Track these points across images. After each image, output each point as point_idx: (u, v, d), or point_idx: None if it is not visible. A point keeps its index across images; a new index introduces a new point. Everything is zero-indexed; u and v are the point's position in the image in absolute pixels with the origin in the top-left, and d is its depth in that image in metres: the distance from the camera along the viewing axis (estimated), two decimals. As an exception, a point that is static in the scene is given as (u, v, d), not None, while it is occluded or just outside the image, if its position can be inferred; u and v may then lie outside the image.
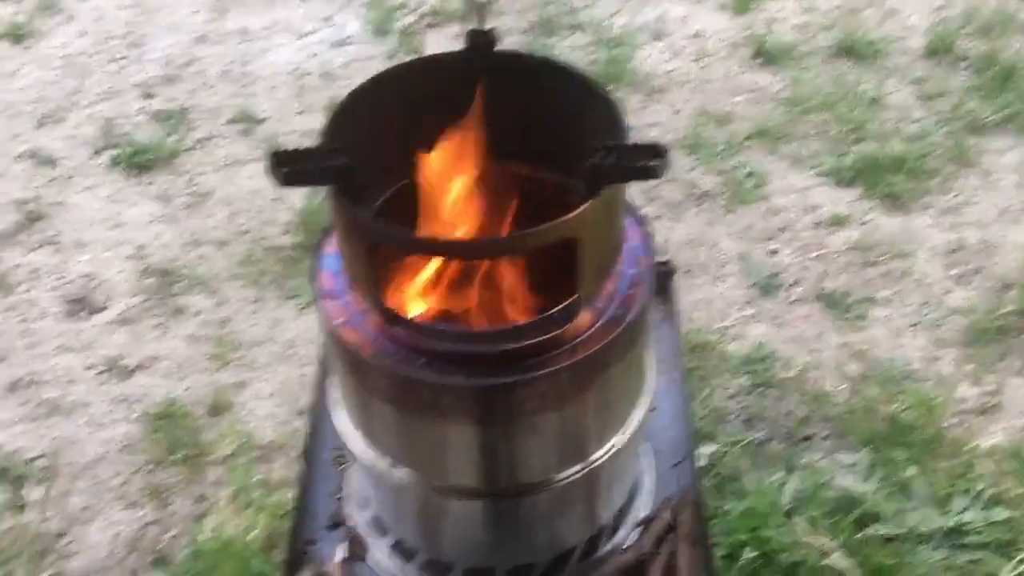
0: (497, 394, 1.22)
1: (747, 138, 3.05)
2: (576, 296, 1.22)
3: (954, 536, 2.05)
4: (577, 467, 1.36)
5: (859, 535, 2.03)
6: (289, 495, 2.17)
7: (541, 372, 1.21)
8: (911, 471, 2.17)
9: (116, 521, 2.19)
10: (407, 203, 1.36)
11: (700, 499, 1.63)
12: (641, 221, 1.38)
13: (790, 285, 2.64)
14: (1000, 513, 2.07)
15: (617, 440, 1.39)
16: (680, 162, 2.99)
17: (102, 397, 2.46)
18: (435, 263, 1.31)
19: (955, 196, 2.86)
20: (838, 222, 2.79)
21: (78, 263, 2.80)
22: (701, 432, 2.25)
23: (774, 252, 2.73)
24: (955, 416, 2.31)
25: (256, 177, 3.02)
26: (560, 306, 1.24)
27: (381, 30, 3.56)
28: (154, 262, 2.77)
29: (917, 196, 2.86)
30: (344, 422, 1.43)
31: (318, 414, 1.76)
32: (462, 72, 1.33)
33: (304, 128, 3.18)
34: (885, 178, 2.88)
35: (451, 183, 1.33)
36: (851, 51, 3.36)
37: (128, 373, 2.50)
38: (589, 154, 1.13)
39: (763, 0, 3.63)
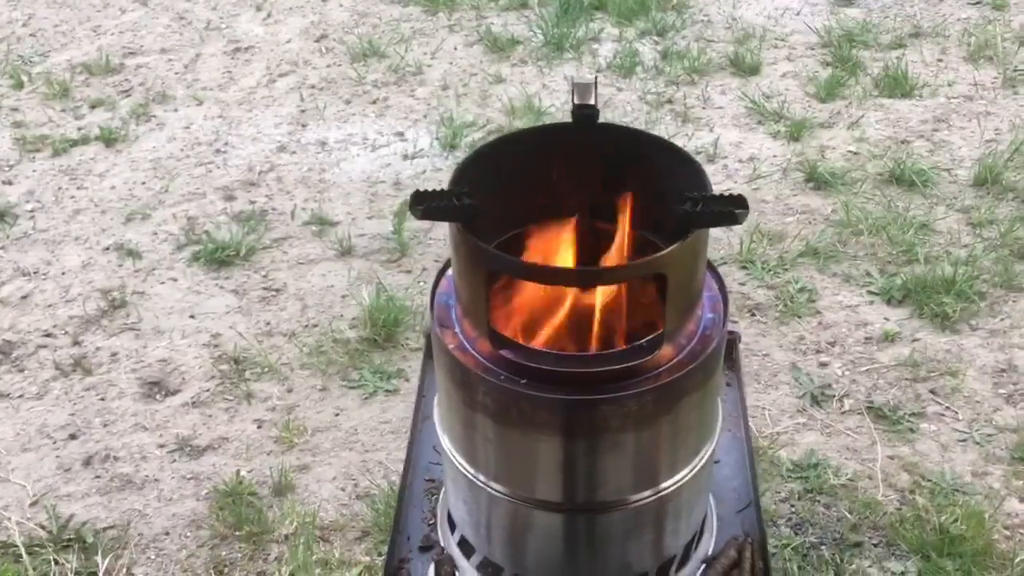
0: (586, 409, 1.39)
1: (799, 256, 3.16)
2: (661, 331, 1.38)
3: (1005, 647, 2.05)
4: (648, 492, 1.50)
5: (909, 641, 2.05)
6: (347, 575, 2.25)
7: (624, 393, 1.37)
8: (961, 581, 2.19)
9: (180, 592, 2.28)
10: (514, 250, 1.54)
11: (764, 540, 1.74)
12: (718, 274, 1.55)
13: (841, 396, 2.70)
14: (1051, 626, 2.07)
15: (687, 471, 1.52)
16: (734, 276, 3.10)
17: (172, 474, 2.57)
18: (540, 295, 1.47)
19: (1003, 319, 2.93)
20: (888, 338, 2.86)
21: (156, 348, 2.95)
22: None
23: (825, 364, 2.80)
24: (1005, 529, 2.33)
25: (328, 275, 3.18)
26: (647, 338, 1.41)
27: (450, 145, 3.77)
28: (228, 350, 2.91)
29: (966, 317, 2.93)
30: (448, 444, 1.59)
31: (413, 447, 1.94)
32: (569, 140, 1.53)
33: (374, 232, 3.35)
34: (934, 299, 2.96)
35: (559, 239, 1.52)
36: (901, 179, 3.49)
37: (198, 452, 2.62)
38: (679, 204, 1.31)
39: (815, 128, 3.79)
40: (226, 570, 2.32)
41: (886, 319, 2.94)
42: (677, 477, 1.51)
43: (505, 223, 1.56)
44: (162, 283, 3.21)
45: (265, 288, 3.16)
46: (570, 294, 1.47)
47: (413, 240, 3.29)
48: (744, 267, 3.14)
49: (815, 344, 2.87)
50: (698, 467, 1.51)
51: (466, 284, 1.40)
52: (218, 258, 3.26)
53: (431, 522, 1.82)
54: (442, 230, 3.25)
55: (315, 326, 3.00)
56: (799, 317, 2.95)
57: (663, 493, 1.49)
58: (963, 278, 3.01)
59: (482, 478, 1.53)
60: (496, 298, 1.48)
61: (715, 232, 3.28)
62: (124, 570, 2.33)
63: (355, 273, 3.19)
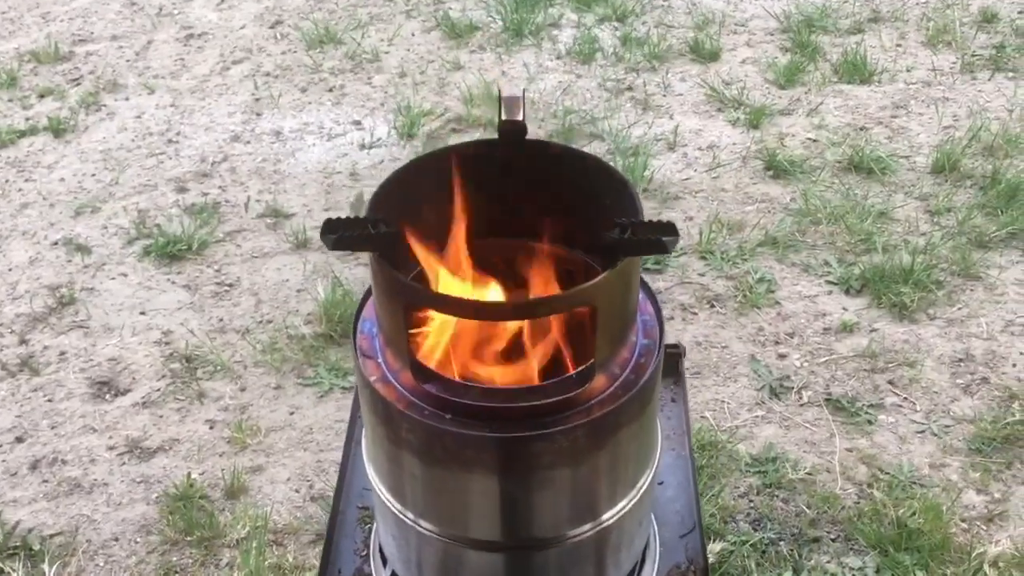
0: (516, 446, 1.32)
1: (758, 246, 3.15)
2: (592, 361, 1.31)
3: (961, 641, 2.05)
4: (588, 525, 1.44)
5: (866, 637, 2.04)
6: (301, 579, 2.21)
7: (557, 428, 1.30)
8: (918, 576, 2.19)
9: (130, 599, 2.23)
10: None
11: (707, 568, 1.69)
12: (653, 297, 1.49)
13: (799, 388, 2.69)
14: (1007, 620, 2.08)
15: (626, 502, 1.46)
16: (692, 267, 3.08)
17: (122, 478, 2.51)
18: (464, 327, 1.40)
19: (961, 308, 2.93)
20: (846, 329, 2.86)
21: (106, 347, 2.88)
22: (710, 530, 2.28)
23: (783, 356, 2.79)
24: (962, 522, 2.33)
25: (282, 269, 3.12)
26: (577, 369, 1.34)
27: (407, 134, 3.71)
28: (179, 348, 2.85)
29: (924, 307, 2.93)
30: (374, 477, 1.52)
31: (346, 473, 1.87)
32: (494, 158, 1.46)
33: (330, 224, 3.29)
34: (892, 288, 2.95)
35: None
36: (859, 166, 3.48)
37: (149, 455, 2.56)
38: (607, 230, 1.24)
39: (775, 115, 3.77)
40: (177, 576, 2.27)
41: (844, 309, 2.93)
42: (616, 509, 1.45)
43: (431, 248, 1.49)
44: (112, 279, 3.13)
45: (218, 283, 3.10)
46: (497, 324, 1.41)
47: (369, 232, 3.24)
48: (703, 257, 3.12)
49: (774, 335, 2.85)
50: (638, 496, 1.46)
51: (386, 314, 1.33)
52: (169, 252, 3.19)
53: (363, 554, 1.76)
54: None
55: (269, 322, 2.94)
56: (758, 308, 2.93)
57: (603, 526, 1.44)
58: (921, 267, 3.00)
59: (410, 515, 1.47)
60: (420, 325, 1.42)
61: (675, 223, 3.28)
62: (72, 578, 2.28)
63: (311, 267, 3.13)
